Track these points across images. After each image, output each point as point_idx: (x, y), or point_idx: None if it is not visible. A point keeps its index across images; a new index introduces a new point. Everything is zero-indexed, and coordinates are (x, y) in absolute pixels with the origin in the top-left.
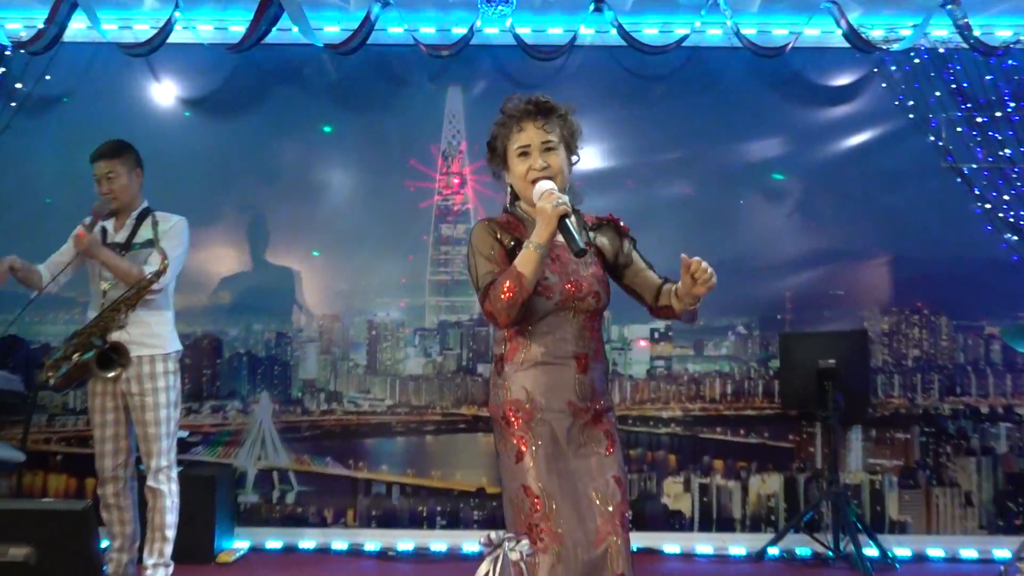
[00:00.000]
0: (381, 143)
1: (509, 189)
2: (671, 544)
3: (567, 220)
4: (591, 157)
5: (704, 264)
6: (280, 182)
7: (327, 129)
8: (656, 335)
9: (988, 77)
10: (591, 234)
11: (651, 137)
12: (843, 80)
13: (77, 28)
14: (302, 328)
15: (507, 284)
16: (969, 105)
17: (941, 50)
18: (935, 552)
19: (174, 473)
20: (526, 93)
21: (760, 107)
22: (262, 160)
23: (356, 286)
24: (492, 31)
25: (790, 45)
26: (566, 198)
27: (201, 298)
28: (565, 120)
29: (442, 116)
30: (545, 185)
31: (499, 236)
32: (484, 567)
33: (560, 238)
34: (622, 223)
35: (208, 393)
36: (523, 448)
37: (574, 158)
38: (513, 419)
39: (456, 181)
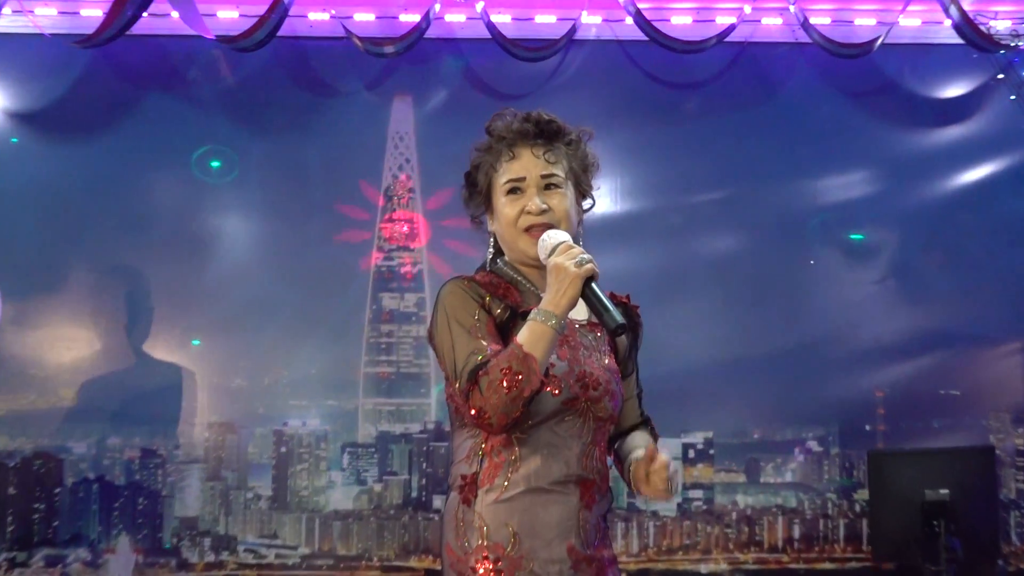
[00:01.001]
0: (297, 178)
1: (492, 241)
2: None
3: (595, 285)
4: (596, 197)
5: (671, 472)
6: (150, 232)
7: (215, 164)
8: (691, 453)
9: None
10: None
11: (682, 169)
12: (954, 90)
13: None
14: (179, 444)
15: (508, 369)
16: None
17: None
18: None
19: None
20: (520, 109)
21: (837, 127)
22: (124, 201)
23: (259, 383)
24: (457, 17)
25: (879, 40)
26: (589, 255)
27: (31, 399)
28: (577, 149)
29: (384, 139)
30: (557, 236)
31: (486, 301)
32: None
33: (575, 313)
34: (639, 310)
35: (41, 538)
36: None
37: (586, 202)
38: (485, 574)
39: (404, 230)
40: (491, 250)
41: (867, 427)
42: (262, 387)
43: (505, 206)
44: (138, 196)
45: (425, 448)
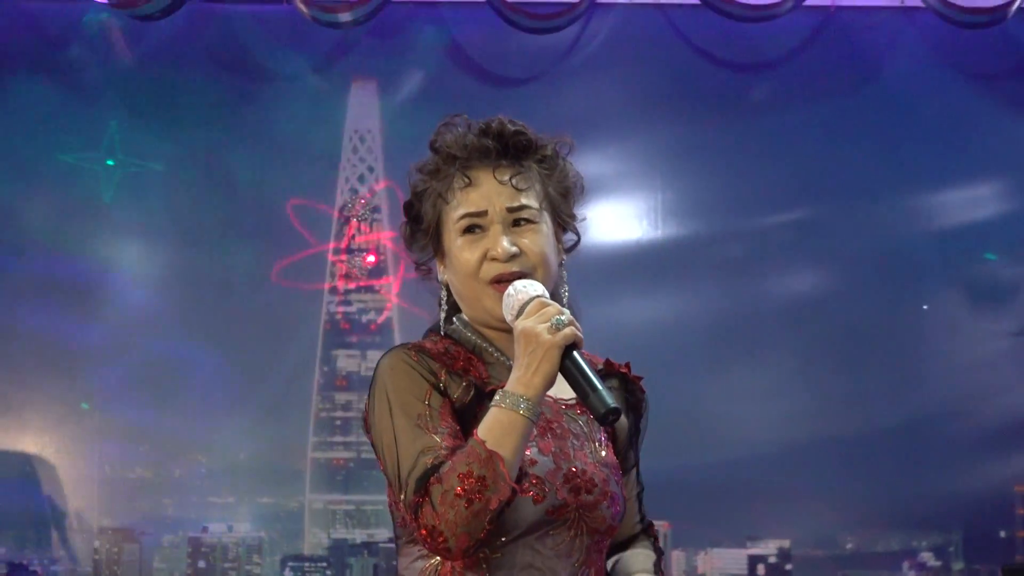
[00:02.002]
0: (219, 192)
1: (444, 294)
2: None
3: (578, 355)
4: (623, 218)
5: None
6: (14, 265)
7: (110, 163)
8: (761, 569)
9: None
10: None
11: (746, 181)
12: None
13: None
14: (57, 557)
15: (468, 474)
16: None
17: None
18: None
19: None
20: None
21: (958, 121)
22: None
23: (167, 473)
24: None
25: (1015, 5)
26: (568, 314)
27: None
28: (553, 168)
29: (339, 139)
30: (528, 289)
31: (441, 378)
32: None
33: (560, 391)
34: (643, 388)
35: None
36: None
37: (567, 237)
38: None
39: (368, 263)
40: (443, 307)
41: (1002, 533)
42: (171, 479)
43: (462, 250)
44: (2, 210)
45: (395, 562)
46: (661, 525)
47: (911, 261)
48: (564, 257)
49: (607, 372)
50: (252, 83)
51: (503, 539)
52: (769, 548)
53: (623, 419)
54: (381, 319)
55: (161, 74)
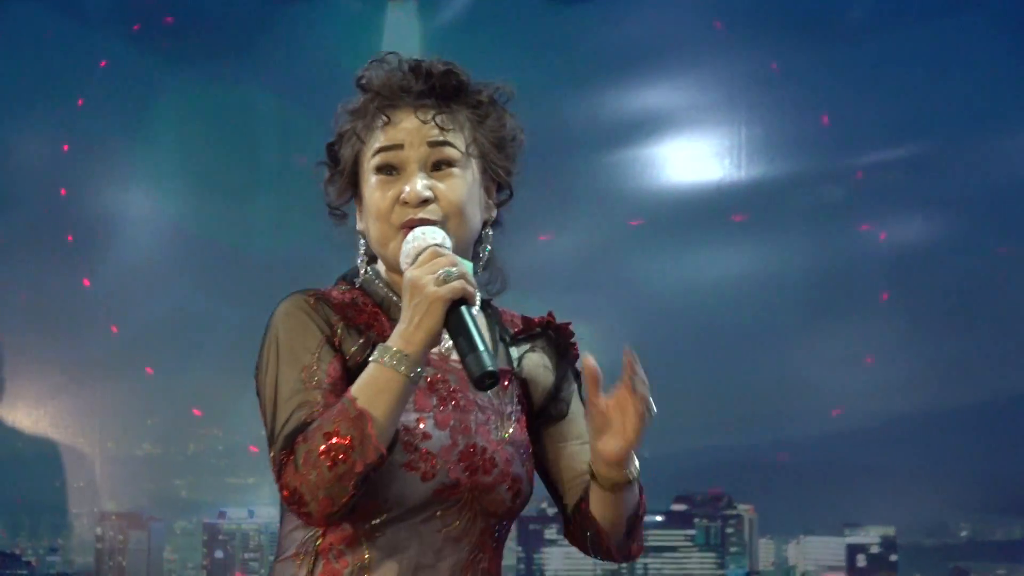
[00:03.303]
0: (238, 131)
1: (363, 243)
2: None
3: (465, 310)
4: (700, 157)
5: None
6: (5, 214)
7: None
8: (861, 559)
9: None
10: (512, 350)
11: (843, 112)
12: None
13: None
14: (56, 545)
15: (334, 433)
16: None
17: None
18: None
19: None
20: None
21: None
22: None
23: (178, 451)
24: None
25: None
26: (467, 267)
27: None
28: (486, 116)
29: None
30: (428, 236)
31: (336, 331)
32: None
33: (446, 347)
34: (572, 330)
35: None
36: None
37: (498, 194)
38: None
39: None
40: (362, 255)
41: None
42: (184, 457)
43: (374, 190)
44: None
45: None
46: (746, 510)
47: None
48: (494, 214)
49: (526, 332)
50: (275, 3)
51: (384, 516)
52: (871, 536)
53: (542, 369)
54: None
55: None
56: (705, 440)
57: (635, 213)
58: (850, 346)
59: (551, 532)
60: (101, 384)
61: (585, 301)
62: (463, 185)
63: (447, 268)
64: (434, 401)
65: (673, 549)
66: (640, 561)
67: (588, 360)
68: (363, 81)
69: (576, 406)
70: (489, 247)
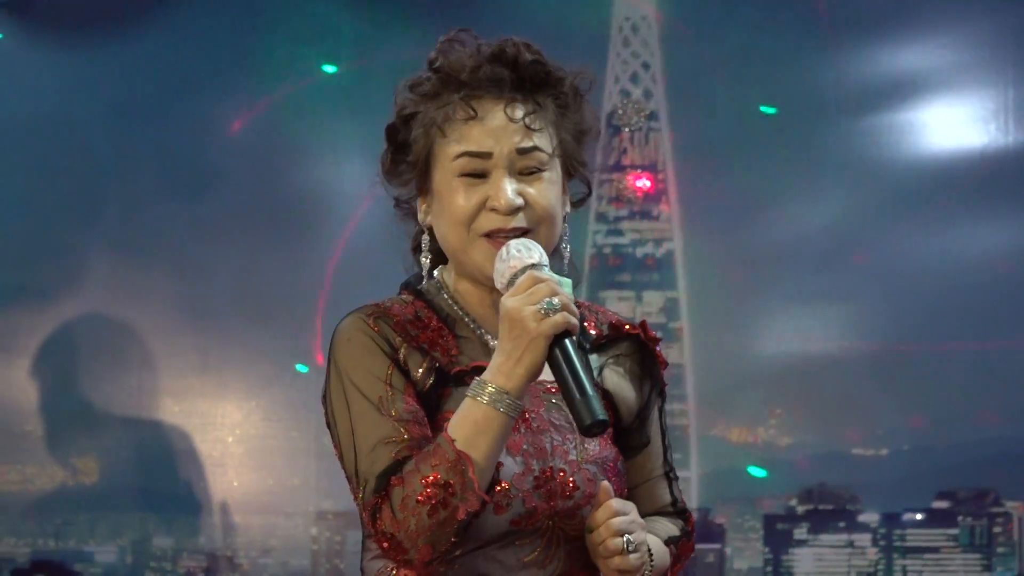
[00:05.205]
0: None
1: (426, 240)
2: None
3: (569, 344)
4: (962, 122)
5: (613, 528)
6: (205, 191)
7: (328, 69)
8: None
9: None
10: (592, 357)
11: None
12: None
13: None
14: (269, 547)
15: (434, 480)
16: None
17: None
18: None
19: None
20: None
21: None
22: (162, 142)
23: None
24: None
25: None
26: (567, 288)
27: (27, 473)
28: (568, 107)
29: (607, 26)
30: (525, 253)
31: (396, 348)
32: None
33: (546, 381)
34: (658, 338)
35: None
36: None
37: (575, 191)
38: None
39: (643, 186)
40: (425, 256)
41: None
42: None
43: (455, 193)
44: (192, 134)
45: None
46: (1015, 507)
47: None
48: (568, 208)
49: (614, 336)
50: None
51: (460, 550)
52: None
53: (630, 391)
54: (659, 254)
55: None
56: (970, 432)
57: (891, 184)
58: None
59: (801, 532)
60: (316, 374)
61: (836, 282)
62: (552, 189)
63: (549, 299)
64: None
65: (935, 550)
66: (899, 562)
67: (604, 485)
68: (438, 63)
69: (656, 430)
70: (568, 246)
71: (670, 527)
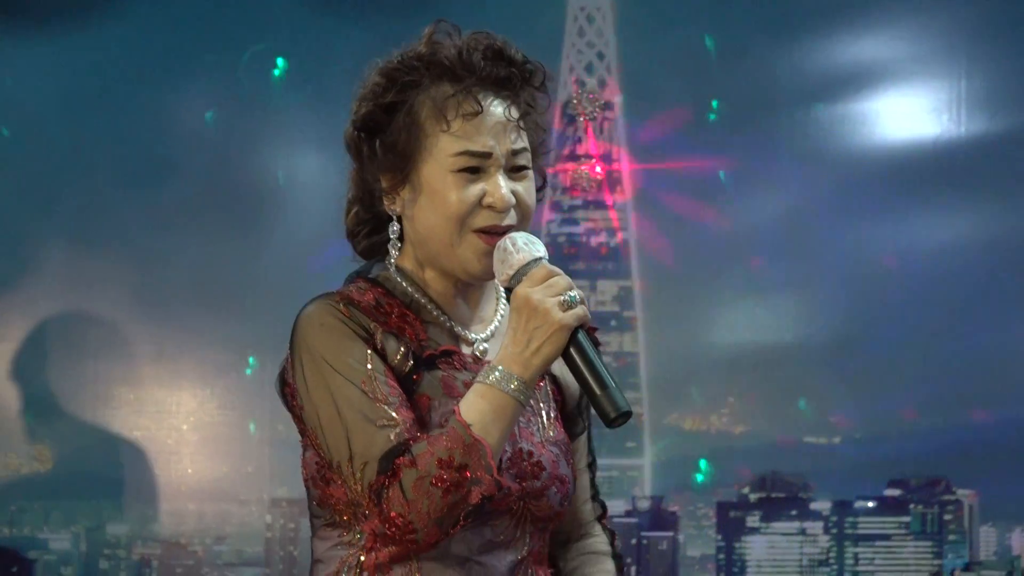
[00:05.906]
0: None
1: (396, 229)
2: None
3: (583, 338)
4: (915, 112)
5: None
6: (176, 180)
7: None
8: None
9: None
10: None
11: None
12: None
13: None
14: (225, 534)
15: (449, 461)
16: None
17: None
18: None
19: None
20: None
21: None
22: (142, 126)
23: None
24: None
25: None
26: (578, 290)
27: None
28: (536, 102)
29: (562, 16)
30: (530, 246)
31: (372, 333)
32: None
33: (481, 349)
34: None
35: None
36: None
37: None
38: None
39: (596, 174)
40: (396, 246)
41: None
42: None
43: (450, 188)
44: (168, 118)
45: (635, 541)
46: (966, 495)
47: None
48: None
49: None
50: None
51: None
52: None
53: (572, 378)
54: (612, 243)
55: None
56: (922, 420)
57: (845, 174)
58: None
59: (753, 520)
60: (272, 362)
61: (792, 270)
62: (532, 187)
63: (569, 292)
64: None
65: (886, 537)
66: (851, 550)
67: None
68: (435, 55)
69: (584, 427)
70: None
71: (609, 568)
